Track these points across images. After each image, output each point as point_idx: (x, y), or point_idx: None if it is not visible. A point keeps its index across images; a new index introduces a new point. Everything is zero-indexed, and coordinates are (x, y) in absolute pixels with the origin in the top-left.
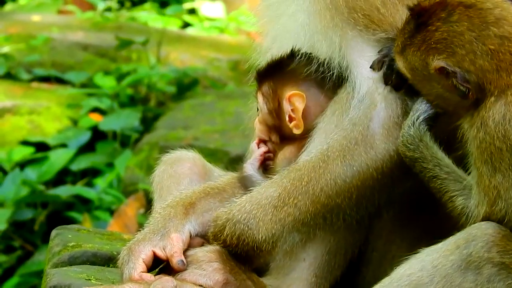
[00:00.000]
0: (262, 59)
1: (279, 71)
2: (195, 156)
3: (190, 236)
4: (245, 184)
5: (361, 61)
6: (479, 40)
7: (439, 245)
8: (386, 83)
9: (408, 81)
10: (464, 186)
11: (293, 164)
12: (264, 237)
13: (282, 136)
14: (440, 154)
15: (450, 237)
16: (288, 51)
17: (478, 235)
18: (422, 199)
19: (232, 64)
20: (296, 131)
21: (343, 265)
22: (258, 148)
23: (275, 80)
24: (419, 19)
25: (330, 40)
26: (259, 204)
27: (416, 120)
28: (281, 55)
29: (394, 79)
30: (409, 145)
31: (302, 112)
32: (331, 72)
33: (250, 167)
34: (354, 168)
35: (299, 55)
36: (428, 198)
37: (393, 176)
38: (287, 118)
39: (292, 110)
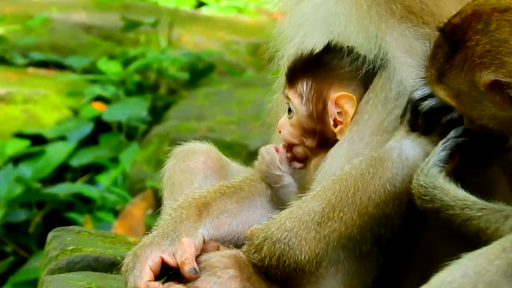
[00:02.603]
0: (285, 48)
1: (320, 68)
2: (210, 149)
3: (204, 241)
4: (281, 195)
5: (400, 54)
6: None
7: (483, 249)
8: (413, 129)
9: (436, 123)
10: (508, 211)
11: (338, 172)
12: (307, 258)
13: (320, 140)
14: (462, 193)
15: (496, 241)
16: (325, 44)
17: None
18: None
19: (251, 47)
20: (340, 136)
21: (374, 271)
22: (277, 151)
23: (318, 78)
24: (454, 38)
25: (366, 31)
26: (300, 221)
27: (426, 166)
28: (318, 48)
29: (421, 123)
30: (424, 197)
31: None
32: (370, 67)
33: (289, 178)
34: (405, 170)
35: (339, 49)
36: None
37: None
38: (331, 122)
39: (338, 113)
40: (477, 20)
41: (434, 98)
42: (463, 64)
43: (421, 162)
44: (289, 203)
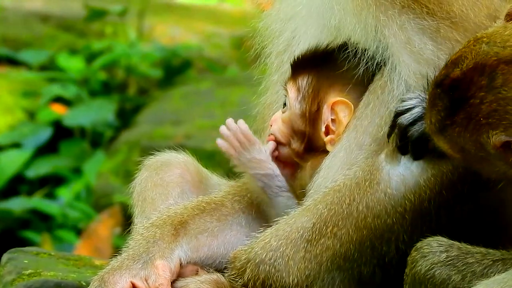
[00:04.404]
0: (273, 44)
1: (327, 66)
2: (188, 160)
3: (181, 264)
4: (263, 184)
5: (399, 51)
6: None
7: (502, 275)
8: (403, 153)
9: (428, 146)
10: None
11: (330, 183)
12: (296, 280)
13: (308, 146)
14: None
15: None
16: (342, 42)
17: None
18: (484, 224)
19: (235, 40)
20: (330, 147)
21: None
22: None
23: (321, 76)
24: (455, 94)
25: (364, 23)
26: (288, 239)
27: None
28: (333, 46)
29: (411, 149)
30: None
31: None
32: (369, 64)
33: (274, 167)
34: (407, 171)
35: (351, 52)
36: (491, 223)
37: (459, 182)
38: (323, 129)
39: (332, 120)
40: (480, 74)
41: (423, 122)
42: (467, 124)
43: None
44: (270, 198)
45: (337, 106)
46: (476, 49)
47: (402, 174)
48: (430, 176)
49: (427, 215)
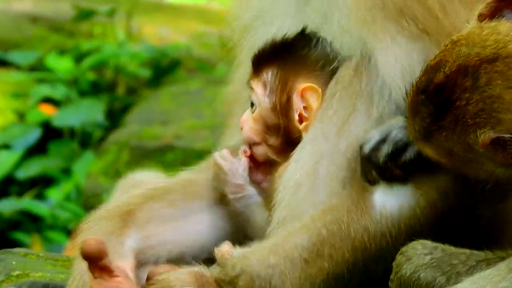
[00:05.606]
0: (244, 41)
1: (289, 55)
2: (160, 178)
3: (146, 261)
4: (241, 207)
5: (382, 54)
6: None
7: (487, 271)
8: (373, 184)
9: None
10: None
11: (327, 201)
12: None
13: (285, 139)
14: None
15: (500, 262)
16: (298, 30)
17: None
18: (474, 225)
19: (224, 40)
20: (305, 134)
21: None
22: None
23: (285, 66)
24: (440, 98)
25: (349, 33)
26: (287, 257)
27: None
28: (290, 34)
29: (395, 171)
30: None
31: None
32: (332, 53)
33: (251, 188)
34: (402, 192)
35: (313, 37)
36: (482, 232)
37: (453, 193)
38: (296, 117)
39: (304, 107)
40: (464, 76)
41: (385, 144)
42: (454, 126)
43: None
44: (249, 216)
45: (306, 92)
46: (456, 52)
47: (395, 200)
48: (423, 194)
49: (421, 229)
